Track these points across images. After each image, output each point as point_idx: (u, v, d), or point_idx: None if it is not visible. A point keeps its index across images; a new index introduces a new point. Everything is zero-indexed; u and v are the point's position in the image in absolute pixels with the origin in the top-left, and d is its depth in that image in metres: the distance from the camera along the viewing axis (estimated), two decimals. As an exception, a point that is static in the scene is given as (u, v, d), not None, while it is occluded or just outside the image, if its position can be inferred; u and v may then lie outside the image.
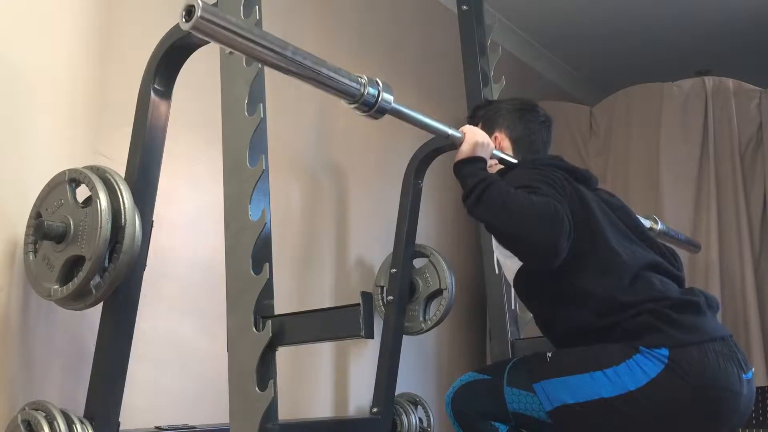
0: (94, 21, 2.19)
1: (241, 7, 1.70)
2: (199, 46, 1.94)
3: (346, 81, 1.47)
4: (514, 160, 1.90)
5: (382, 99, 1.52)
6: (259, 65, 1.66)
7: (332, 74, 1.44)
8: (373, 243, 3.14)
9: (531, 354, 1.84)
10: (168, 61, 1.95)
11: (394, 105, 1.56)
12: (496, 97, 2.79)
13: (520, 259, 1.74)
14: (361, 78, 1.50)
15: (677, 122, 3.48)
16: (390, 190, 3.13)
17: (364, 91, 1.49)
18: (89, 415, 1.79)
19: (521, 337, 2.53)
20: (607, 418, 1.63)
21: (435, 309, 3.00)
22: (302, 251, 2.84)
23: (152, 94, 1.95)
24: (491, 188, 1.67)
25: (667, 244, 1.97)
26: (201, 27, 1.17)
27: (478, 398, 1.81)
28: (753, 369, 1.72)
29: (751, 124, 3.45)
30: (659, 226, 2.57)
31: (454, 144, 1.82)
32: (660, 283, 1.71)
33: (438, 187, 3.54)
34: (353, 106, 1.53)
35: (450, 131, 1.78)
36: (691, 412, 1.60)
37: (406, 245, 2.96)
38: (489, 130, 2.00)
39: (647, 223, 2.52)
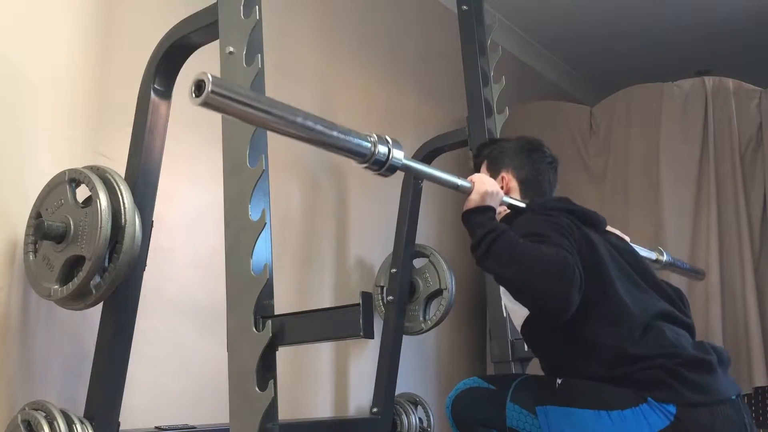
0: (94, 21, 2.19)
1: (241, 7, 1.70)
2: (199, 46, 1.94)
3: (357, 141, 1.47)
4: (523, 205, 1.88)
5: (392, 157, 1.52)
6: (260, 65, 1.66)
7: (342, 136, 1.45)
8: (373, 243, 3.14)
9: (540, 377, 1.82)
10: (168, 61, 1.96)
11: (404, 162, 1.56)
12: (496, 98, 2.78)
13: (530, 311, 1.72)
14: (370, 137, 1.50)
15: (677, 122, 3.47)
16: (390, 190, 3.13)
17: (374, 150, 1.50)
18: (89, 415, 1.79)
19: (521, 337, 2.53)
20: None
21: (435, 309, 3.00)
22: (302, 251, 2.84)
23: (152, 94, 1.95)
24: (500, 239, 1.64)
25: (673, 285, 1.94)
26: (212, 102, 1.17)
27: (480, 406, 1.80)
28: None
29: (751, 124, 3.44)
30: (665, 258, 2.55)
31: (465, 193, 1.81)
32: (672, 333, 1.68)
33: (438, 187, 3.53)
34: (364, 165, 1.53)
35: (459, 182, 1.77)
36: None
37: (406, 245, 2.96)
38: (495, 170, 1.99)
39: (653, 255, 2.50)
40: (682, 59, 4.50)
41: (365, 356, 3.02)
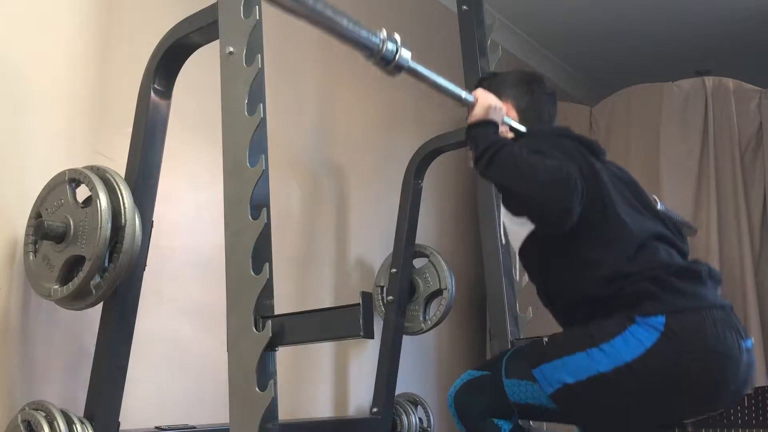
0: (94, 21, 2.19)
1: (241, 7, 1.70)
2: (199, 46, 1.94)
3: (365, 34, 1.45)
4: (523, 128, 1.90)
5: (400, 56, 1.52)
6: (260, 65, 1.66)
7: (351, 26, 1.42)
8: (373, 243, 3.14)
9: (527, 343, 1.84)
10: (168, 61, 1.95)
11: (411, 63, 1.56)
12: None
13: (532, 221, 1.73)
14: (380, 32, 1.48)
15: (677, 122, 3.47)
16: (390, 190, 3.13)
17: (382, 46, 1.48)
18: (89, 415, 1.79)
19: (521, 337, 2.53)
20: (607, 393, 1.62)
21: (435, 309, 3.00)
22: (302, 251, 2.84)
23: (152, 94, 1.95)
24: (504, 150, 1.68)
25: (674, 219, 1.97)
26: None
27: (479, 395, 1.80)
28: (752, 338, 1.70)
29: (751, 124, 3.45)
30: (658, 207, 2.58)
31: (467, 106, 1.83)
32: (665, 253, 1.71)
33: (438, 187, 3.54)
34: (371, 61, 1.52)
35: (463, 94, 1.79)
36: (689, 379, 1.59)
37: (406, 245, 2.96)
38: None
39: None
40: (682, 59, 4.50)
41: (365, 356, 3.02)
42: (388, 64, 1.52)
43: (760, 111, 3.45)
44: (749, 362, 1.65)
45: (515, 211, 1.72)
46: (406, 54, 1.54)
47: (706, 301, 1.64)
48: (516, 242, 1.85)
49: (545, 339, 1.73)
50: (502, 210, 1.83)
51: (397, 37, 1.52)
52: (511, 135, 1.89)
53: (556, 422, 1.89)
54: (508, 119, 1.87)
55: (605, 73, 4.80)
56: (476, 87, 2.11)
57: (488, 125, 1.78)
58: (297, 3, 1.31)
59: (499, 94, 1.97)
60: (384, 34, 1.49)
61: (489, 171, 1.70)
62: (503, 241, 2.56)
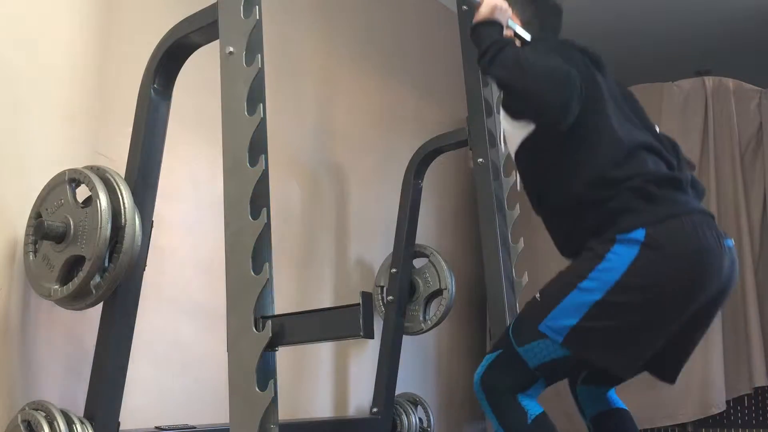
0: (94, 21, 2.19)
1: (241, 7, 1.70)
2: (199, 46, 1.94)
3: None
4: (527, 35, 1.94)
5: None
6: (260, 65, 1.66)
7: None
8: (373, 243, 3.14)
9: (521, 311, 1.84)
10: (168, 61, 1.95)
11: None
12: (496, 98, 2.78)
13: (531, 117, 1.78)
14: None
15: (677, 122, 3.47)
16: (390, 190, 3.13)
17: None
18: (89, 415, 1.79)
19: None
20: (609, 318, 1.64)
21: (435, 309, 3.00)
22: (302, 251, 2.84)
23: (152, 94, 1.95)
24: (507, 49, 1.73)
25: (671, 138, 2.02)
26: None
27: (502, 374, 1.77)
28: (732, 240, 1.75)
29: (751, 124, 3.44)
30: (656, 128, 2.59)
31: (472, 7, 1.88)
32: (652, 162, 1.75)
33: (438, 187, 3.54)
34: None
35: None
36: (677, 281, 1.63)
37: (406, 245, 2.96)
38: None
39: None
40: (682, 59, 4.50)
41: (365, 356, 3.02)
42: None
43: (760, 111, 3.45)
44: (732, 259, 1.71)
45: (515, 110, 1.78)
46: None
47: (685, 207, 1.69)
48: (513, 145, 1.90)
49: (537, 295, 1.77)
50: (502, 114, 1.88)
51: None
52: (516, 41, 1.94)
53: (580, 371, 1.89)
54: (513, 24, 1.91)
55: (605, 73, 4.80)
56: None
57: (493, 25, 1.84)
58: None
59: None
60: None
61: (491, 68, 1.75)
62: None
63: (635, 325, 1.67)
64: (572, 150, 1.76)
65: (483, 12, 1.85)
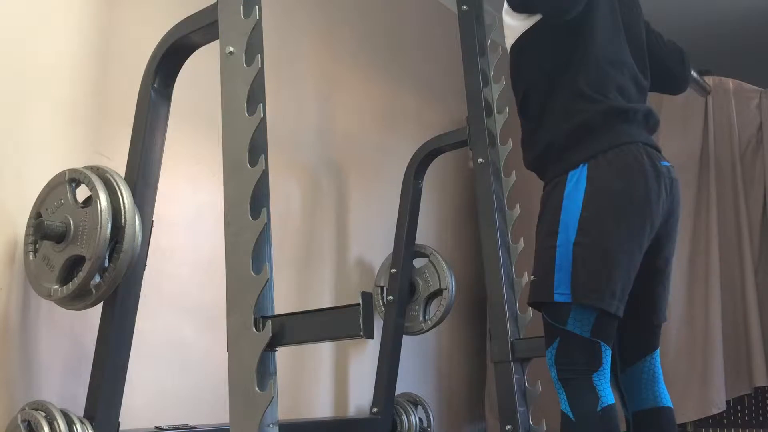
0: (94, 21, 2.19)
1: (241, 7, 1.70)
2: (199, 46, 1.94)
3: None
4: None
5: None
6: (260, 65, 1.66)
7: None
8: (373, 243, 3.14)
9: (531, 300, 1.87)
10: (168, 61, 1.95)
11: None
12: (496, 98, 2.78)
13: (540, 8, 1.86)
14: None
15: (677, 122, 3.47)
16: (390, 190, 3.13)
17: None
18: (89, 415, 1.79)
19: (521, 337, 2.53)
20: (586, 241, 1.74)
21: (435, 309, 3.00)
22: (302, 251, 2.84)
23: (152, 94, 1.95)
24: None
25: (676, 44, 2.14)
26: None
27: (570, 356, 1.77)
28: (671, 163, 1.88)
29: (751, 124, 3.44)
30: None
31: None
32: (616, 88, 1.84)
33: (438, 187, 3.54)
34: None
35: None
36: (624, 205, 1.74)
37: (406, 245, 2.96)
38: None
39: None
40: (682, 59, 4.50)
41: (365, 356, 3.02)
42: None
43: (760, 111, 3.45)
44: (670, 177, 1.84)
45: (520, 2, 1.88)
46: None
47: (624, 138, 1.78)
48: (511, 38, 1.97)
49: (532, 278, 1.85)
50: (505, 7, 1.96)
51: None
52: None
53: (622, 317, 1.88)
54: None
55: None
56: None
57: None
58: None
59: None
60: None
61: None
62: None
63: (609, 251, 1.73)
64: (563, 52, 1.86)
65: None
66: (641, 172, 1.76)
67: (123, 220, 1.79)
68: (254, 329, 1.53)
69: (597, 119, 1.79)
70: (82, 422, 1.74)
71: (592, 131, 1.79)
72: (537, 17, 1.88)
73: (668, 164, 1.86)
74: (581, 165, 1.77)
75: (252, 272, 1.56)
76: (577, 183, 1.76)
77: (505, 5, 1.96)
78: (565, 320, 1.76)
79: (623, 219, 1.75)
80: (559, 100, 1.85)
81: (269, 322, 1.53)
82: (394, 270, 2.95)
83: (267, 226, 1.58)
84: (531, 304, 1.89)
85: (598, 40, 1.87)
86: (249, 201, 1.59)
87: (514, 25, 1.95)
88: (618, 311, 1.75)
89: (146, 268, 1.92)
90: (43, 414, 1.73)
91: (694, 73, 2.45)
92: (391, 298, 2.94)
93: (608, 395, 1.72)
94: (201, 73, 2.12)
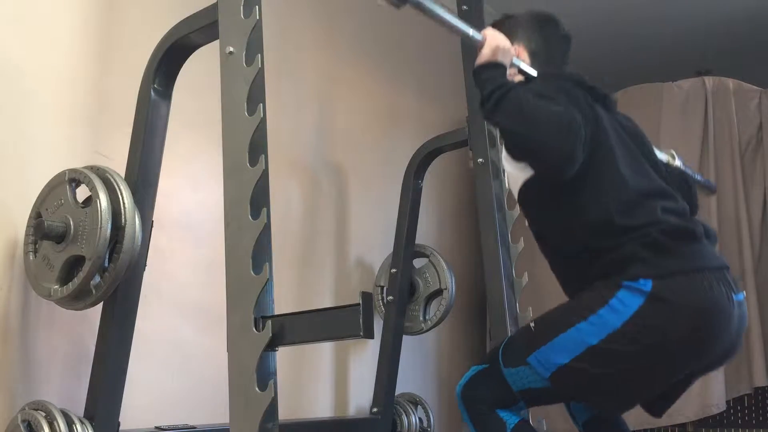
0: (94, 21, 2.19)
1: (241, 7, 1.70)
2: (199, 46, 1.94)
3: None
4: (533, 72, 1.87)
5: None
6: (260, 65, 1.66)
7: None
8: (373, 243, 3.14)
9: (515, 333, 1.82)
10: (168, 61, 1.95)
11: None
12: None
13: (534, 167, 1.72)
14: None
15: (677, 122, 3.47)
16: (390, 190, 3.13)
17: None
18: (89, 415, 1.79)
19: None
20: (603, 365, 1.60)
21: (435, 309, 3.00)
22: (302, 251, 2.84)
23: (152, 94, 1.95)
24: (510, 94, 1.65)
25: (681, 170, 1.97)
26: None
27: (484, 388, 1.78)
28: (744, 292, 1.68)
29: (751, 124, 3.44)
30: (677, 161, 2.56)
31: (475, 47, 1.79)
32: (662, 211, 1.67)
33: (438, 187, 3.54)
34: None
35: (471, 32, 1.75)
36: (678, 338, 1.57)
37: (406, 245, 2.96)
38: None
39: (664, 158, 2.52)
40: (682, 59, 4.50)
41: (365, 356, 3.02)
42: None
43: (760, 111, 3.45)
44: (740, 315, 1.63)
45: (518, 155, 1.71)
46: None
47: (697, 263, 1.62)
48: (515, 186, 1.85)
49: (532, 324, 1.73)
50: (504, 154, 1.82)
51: None
52: (520, 77, 1.87)
53: (562, 402, 1.87)
54: (518, 61, 1.84)
55: (605, 74, 4.80)
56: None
57: (496, 67, 1.75)
58: None
59: (511, 36, 1.93)
60: None
61: (493, 114, 1.68)
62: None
63: (628, 376, 1.62)
64: (577, 195, 1.69)
65: (485, 53, 1.75)
66: (712, 316, 1.58)
67: (123, 220, 1.79)
68: (254, 329, 1.53)
69: (660, 239, 1.61)
70: (82, 422, 1.75)
71: (656, 250, 1.60)
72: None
73: (742, 297, 1.66)
74: (645, 279, 1.57)
75: (252, 272, 1.55)
76: (635, 293, 1.57)
77: (504, 151, 1.81)
78: (510, 365, 1.71)
79: (666, 359, 1.60)
80: (598, 236, 1.67)
81: (269, 322, 1.53)
82: (394, 270, 2.95)
83: (267, 226, 1.58)
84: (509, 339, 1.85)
85: (620, 166, 1.71)
86: (249, 201, 1.59)
87: (516, 173, 1.80)
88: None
89: (146, 268, 1.92)
90: (43, 414, 1.73)
91: (698, 177, 2.43)
92: (391, 298, 2.94)
93: (512, 417, 1.73)
94: (201, 73, 2.11)
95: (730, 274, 1.66)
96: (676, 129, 3.47)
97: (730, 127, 3.42)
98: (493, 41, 1.76)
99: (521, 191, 1.82)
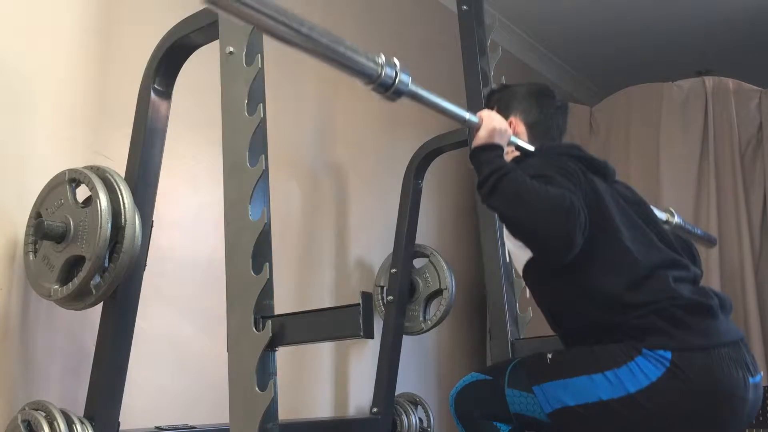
0: (94, 21, 2.19)
1: (241, 7, 1.70)
2: (199, 46, 1.94)
3: (363, 61, 1.43)
4: (531, 148, 1.87)
5: (399, 81, 1.50)
6: (260, 65, 1.66)
7: (349, 53, 1.40)
8: (373, 243, 3.14)
9: (531, 355, 1.82)
10: (168, 61, 1.96)
11: (411, 87, 1.53)
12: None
13: (533, 253, 1.70)
14: (378, 58, 1.47)
15: (677, 122, 3.47)
16: (390, 190, 3.13)
17: (381, 72, 1.46)
18: (89, 415, 1.79)
19: (521, 337, 2.53)
20: (606, 421, 1.61)
21: (435, 309, 3.00)
22: (302, 251, 2.84)
23: (152, 94, 1.95)
24: (507, 178, 1.63)
25: (683, 237, 1.94)
26: (219, 2, 1.13)
27: (481, 399, 1.80)
28: (762, 373, 1.67)
29: (751, 124, 3.45)
30: (676, 219, 2.53)
31: (471, 129, 1.78)
32: (674, 281, 1.65)
33: (438, 187, 3.54)
34: (370, 87, 1.49)
35: (467, 116, 1.74)
36: (692, 417, 1.57)
37: (406, 245, 2.96)
38: (504, 114, 1.96)
39: (663, 216, 2.50)
40: (682, 59, 4.50)
41: (365, 356, 3.02)
42: (387, 90, 1.49)
43: (760, 111, 3.45)
44: (755, 398, 1.63)
45: (518, 238, 1.67)
46: (405, 78, 1.50)
47: (715, 339, 1.60)
48: (518, 265, 1.83)
49: (549, 356, 1.71)
50: (505, 232, 1.80)
51: (396, 61, 1.49)
52: (516, 153, 1.87)
53: None
54: (515, 139, 1.83)
55: (605, 73, 4.81)
56: (488, 99, 2.09)
57: (492, 149, 1.74)
58: (293, 31, 1.29)
59: (508, 108, 1.96)
60: (382, 58, 1.46)
61: (491, 199, 1.66)
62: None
63: None
64: (584, 273, 1.67)
65: (482, 136, 1.74)
66: (727, 400, 1.57)
67: (123, 220, 1.79)
68: (254, 329, 1.53)
69: (677, 313, 1.60)
70: (82, 422, 1.74)
71: (674, 323, 1.59)
72: None
73: (759, 379, 1.64)
74: (665, 350, 1.56)
75: (252, 272, 1.55)
76: (654, 363, 1.56)
77: (505, 231, 1.79)
78: (514, 387, 1.72)
79: None
80: (610, 313, 1.64)
81: (269, 322, 1.53)
82: (394, 270, 2.95)
83: (267, 226, 1.58)
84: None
85: (625, 239, 1.69)
86: (249, 201, 1.59)
87: (518, 252, 1.79)
88: None
89: (146, 268, 1.92)
90: (43, 414, 1.73)
91: (697, 231, 2.40)
92: (391, 298, 2.94)
93: (504, 426, 1.75)
94: (201, 74, 2.11)
95: (747, 347, 1.66)
96: (676, 129, 3.47)
97: (730, 127, 3.42)
98: (490, 123, 1.75)
99: (525, 270, 1.80)
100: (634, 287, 1.63)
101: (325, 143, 3.02)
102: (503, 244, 2.61)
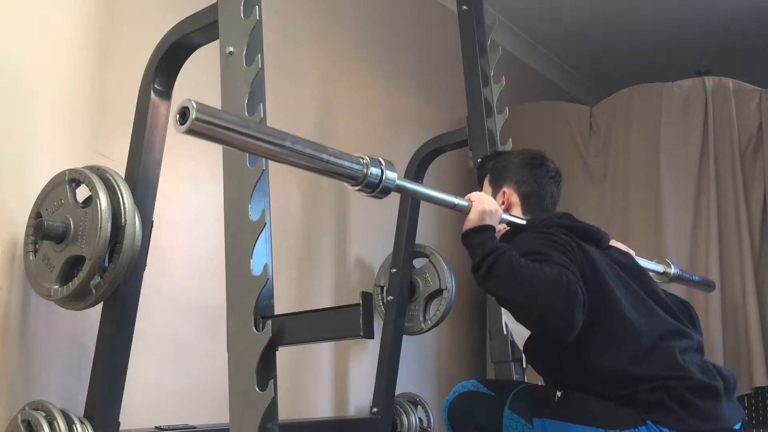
0: (94, 21, 2.19)
1: (241, 7, 1.70)
2: (199, 46, 1.95)
3: (348, 164, 1.41)
4: (523, 221, 1.86)
5: (385, 179, 1.49)
6: (260, 65, 1.66)
7: (333, 159, 1.40)
8: (373, 243, 3.14)
9: (540, 386, 1.80)
10: (168, 61, 1.96)
11: (398, 182, 1.52)
12: (496, 98, 2.78)
13: (533, 333, 1.70)
14: (362, 159, 1.45)
15: (677, 122, 3.47)
16: (390, 190, 3.12)
17: (366, 171, 1.45)
18: (89, 415, 1.79)
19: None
20: None
21: (435, 309, 3.00)
22: (302, 251, 2.84)
23: (152, 94, 1.95)
24: (501, 260, 1.60)
25: (681, 299, 1.93)
26: (197, 129, 1.14)
27: (477, 411, 1.79)
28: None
29: (751, 124, 3.44)
30: (673, 270, 2.50)
31: (463, 212, 1.77)
32: (678, 353, 1.64)
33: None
34: (356, 188, 1.48)
35: (456, 201, 1.74)
36: None
37: (406, 245, 2.96)
38: (498, 184, 1.97)
39: (660, 268, 2.46)
40: (682, 59, 4.50)
41: (365, 356, 3.02)
42: (374, 189, 1.49)
43: (760, 111, 3.45)
44: None
45: (517, 320, 1.65)
46: (391, 175, 1.49)
47: (719, 425, 1.59)
48: (519, 340, 1.82)
49: (558, 393, 1.69)
50: (503, 309, 1.79)
51: (381, 160, 1.47)
52: (508, 228, 1.86)
53: None
54: (507, 216, 1.82)
55: (605, 73, 4.81)
56: (481, 165, 2.07)
57: (484, 231, 1.73)
58: (277, 147, 1.29)
59: (501, 179, 1.96)
60: (366, 159, 1.45)
61: (487, 283, 1.63)
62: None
63: None
64: (585, 350, 1.64)
65: (472, 219, 1.74)
66: None
67: (123, 220, 1.79)
68: (254, 329, 1.53)
69: (686, 395, 1.58)
70: (82, 422, 1.75)
71: (681, 404, 1.57)
72: None
73: None
74: (670, 429, 1.55)
75: (252, 272, 1.56)
76: None
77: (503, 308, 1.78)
78: (515, 411, 1.72)
79: None
80: (614, 386, 1.62)
81: (269, 322, 1.53)
82: (394, 270, 2.95)
83: (267, 226, 1.58)
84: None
85: (626, 310, 1.67)
86: (249, 201, 1.59)
87: (517, 328, 1.77)
88: None
89: (146, 268, 1.93)
90: (43, 414, 1.73)
91: (695, 277, 2.38)
92: (391, 298, 2.94)
93: None
94: (201, 74, 2.11)
95: (747, 427, 1.67)
96: (676, 129, 3.47)
97: (730, 127, 3.42)
98: (480, 205, 1.74)
99: (527, 345, 1.79)
100: (638, 360, 1.61)
101: (325, 143, 3.01)
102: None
